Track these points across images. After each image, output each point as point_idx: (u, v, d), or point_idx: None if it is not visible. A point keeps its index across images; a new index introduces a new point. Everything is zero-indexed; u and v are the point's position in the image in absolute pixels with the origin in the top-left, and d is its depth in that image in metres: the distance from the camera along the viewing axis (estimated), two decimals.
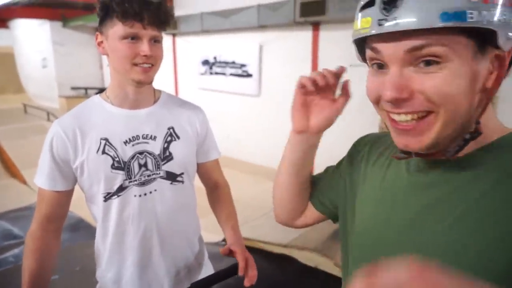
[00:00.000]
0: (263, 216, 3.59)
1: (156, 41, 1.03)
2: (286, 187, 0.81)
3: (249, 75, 6.29)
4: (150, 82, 1.09)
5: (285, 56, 5.78)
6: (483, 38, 0.45)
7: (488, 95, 0.48)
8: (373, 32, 0.47)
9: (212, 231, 3.74)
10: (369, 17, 0.48)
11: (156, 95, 1.17)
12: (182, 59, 7.58)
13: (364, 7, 0.49)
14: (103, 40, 1.05)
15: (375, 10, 0.47)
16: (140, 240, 1.10)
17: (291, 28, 5.52)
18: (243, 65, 6.33)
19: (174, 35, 7.32)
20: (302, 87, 0.67)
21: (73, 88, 10.64)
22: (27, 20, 10.56)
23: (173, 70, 7.81)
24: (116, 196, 1.07)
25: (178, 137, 1.13)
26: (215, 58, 6.74)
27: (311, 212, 0.85)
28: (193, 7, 6.84)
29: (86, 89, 10.65)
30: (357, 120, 3.22)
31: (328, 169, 0.86)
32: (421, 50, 0.45)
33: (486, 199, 0.46)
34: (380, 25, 0.46)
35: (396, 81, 0.47)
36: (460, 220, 0.47)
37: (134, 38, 0.99)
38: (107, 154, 1.05)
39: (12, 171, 6.53)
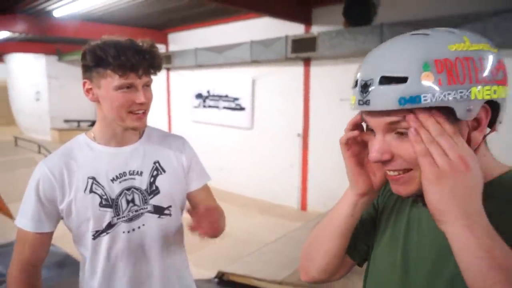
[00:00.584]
0: (256, 251, 3.51)
1: (147, 85, 1.06)
2: (335, 253, 0.75)
3: (242, 109, 6.38)
4: (144, 127, 1.12)
5: (278, 90, 5.90)
6: (450, 112, 0.53)
7: (473, 145, 0.56)
8: (356, 109, 0.59)
9: (204, 267, 3.62)
10: (354, 96, 0.59)
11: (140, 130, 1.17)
12: (175, 92, 7.69)
13: (354, 86, 0.60)
14: (93, 88, 1.05)
15: (357, 92, 0.58)
16: (130, 276, 1.09)
17: (283, 63, 5.68)
18: (236, 99, 6.43)
19: (168, 69, 7.47)
20: (348, 149, 0.68)
21: (66, 121, 10.64)
22: (23, 54, 10.72)
23: (167, 103, 7.89)
24: (105, 233, 1.06)
25: (164, 171, 1.14)
26: (208, 91, 6.84)
27: (346, 263, 0.81)
28: (187, 43, 7.03)
29: (78, 121, 10.65)
30: None
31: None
32: (397, 124, 0.56)
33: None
34: (359, 104, 0.57)
35: (379, 146, 0.58)
36: None
37: (129, 87, 1.01)
38: (94, 192, 1.05)
39: None
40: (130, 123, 1.04)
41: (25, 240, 1.05)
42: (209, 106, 6.77)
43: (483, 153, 0.60)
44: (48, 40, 9.20)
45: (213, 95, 6.73)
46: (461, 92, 0.52)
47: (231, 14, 6.03)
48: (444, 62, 0.52)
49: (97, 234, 1.06)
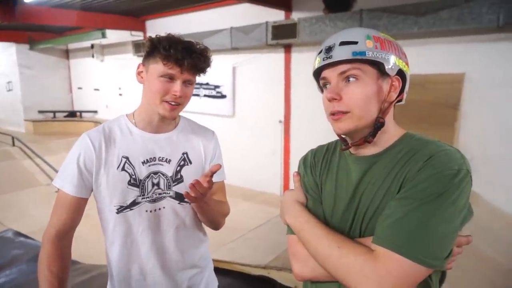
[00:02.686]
0: (239, 238, 3.54)
1: (189, 83, 1.16)
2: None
3: (223, 96, 6.33)
4: (174, 119, 1.23)
5: (259, 77, 5.88)
6: (379, 68, 0.79)
7: (390, 104, 0.82)
8: (322, 63, 0.83)
9: None
10: (319, 58, 0.84)
11: (176, 120, 1.29)
12: None
13: (318, 54, 0.85)
14: (143, 71, 1.17)
15: (322, 54, 0.83)
16: (147, 250, 1.20)
17: (263, 50, 5.65)
18: (217, 86, 6.38)
19: None
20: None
21: (40, 112, 10.30)
22: None
23: None
24: (128, 209, 1.17)
25: (191, 162, 1.25)
26: None
27: None
28: (165, 30, 6.87)
29: (54, 112, 10.34)
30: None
31: (311, 201, 0.93)
32: (346, 73, 0.80)
33: (388, 176, 0.79)
34: (323, 60, 0.82)
35: (333, 89, 0.81)
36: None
37: (171, 78, 1.12)
38: (125, 171, 1.16)
39: None
40: (162, 110, 1.14)
41: (64, 203, 1.14)
42: None
43: (391, 116, 0.84)
44: (19, 27, 8.81)
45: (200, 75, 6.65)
46: (387, 55, 0.79)
47: (210, 0, 5.93)
48: (378, 38, 0.80)
49: (121, 209, 1.16)
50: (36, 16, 6.34)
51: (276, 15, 5.24)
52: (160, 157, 1.20)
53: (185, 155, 1.24)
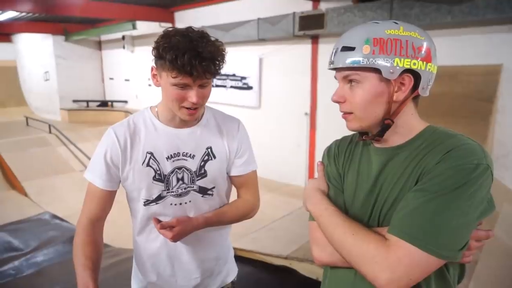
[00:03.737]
0: (263, 228, 3.58)
1: (205, 85, 1.10)
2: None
3: (249, 88, 6.35)
4: (196, 120, 1.21)
5: (285, 68, 5.85)
6: (381, 72, 0.79)
7: (401, 104, 0.82)
8: (328, 67, 0.88)
9: None
10: (330, 58, 0.87)
11: (199, 112, 1.22)
12: None
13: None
14: (157, 75, 1.11)
15: (330, 56, 0.86)
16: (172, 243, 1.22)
17: (290, 41, 5.60)
18: (243, 78, 6.40)
19: None
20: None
21: (75, 101, 10.73)
22: (30, 34, 10.71)
23: None
24: (154, 203, 1.20)
25: (214, 157, 1.24)
26: None
27: None
28: (194, 21, 6.95)
29: (87, 101, 10.73)
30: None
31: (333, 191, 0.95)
32: (347, 77, 0.83)
33: (407, 168, 0.80)
34: (329, 64, 0.87)
35: (337, 92, 0.86)
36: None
37: (184, 85, 1.06)
38: (150, 166, 1.17)
39: (13, 183, 6.53)
40: (182, 115, 1.13)
41: (95, 195, 1.19)
42: (216, 86, 6.76)
43: (410, 112, 0.84)
44: (55, 19, 9.16)
45: (220, 74, 6.70)
46: (387, 60, 0.78)
47: None
48: (379, 40, 0.79)
49: (147, 202, 1.20)
50: (70, 8, 6.57)
51: (303, 5, 5.17)
52: (184, 152, 1.20)
53: (209, 149, 1.23)
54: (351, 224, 0.81)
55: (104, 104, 10.85)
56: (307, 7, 5.18)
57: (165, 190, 1.19)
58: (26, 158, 6.97)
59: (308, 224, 0.95)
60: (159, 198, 1.19)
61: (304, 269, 2.55)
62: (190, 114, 1.12)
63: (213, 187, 1.25)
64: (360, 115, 0.83)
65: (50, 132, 8.40)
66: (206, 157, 1.23)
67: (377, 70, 0.79)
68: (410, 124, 0.84)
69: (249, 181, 1.32)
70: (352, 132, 0.99)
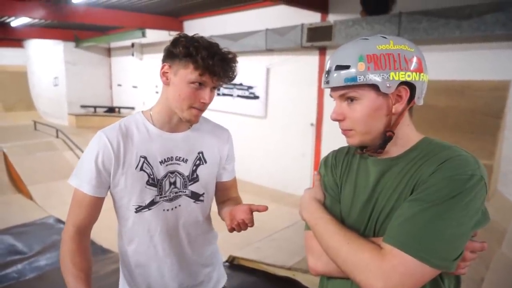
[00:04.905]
0: (266, 238, 3.56)
1: (214, 88, 1.14)
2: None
3: (256, 97, 6.38)
4: (197, 122, 1.20)
5: (292, 79, 5.87)
6: (377, 87, 0.80)
7: (399, 115, 0.83)
8: (323, 86, 0.88)
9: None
10: (323, 80, 0.88)
11: None
12: None
13: (324, 73, 0.88)
14: (169, 73, 1.12)
15: (324, 76, 0.87)
16: (164, 249, 1.21)
17: (298, 52, 5.63)
18: (250, 87, 6.43)
19: None
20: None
21: (83, 107, 10.84)
22: (41, 40, 10.90)
23: None
24: (147, 209, 1.17)
25: (206, 161, 1.25)
26: None
27: None
28: (202, 30, 7.02)
29: (95, 107, 10.84)
30: None
31: (330, 202, 0.95)
32: (345, 95, 0.84)
33: (403, 179, 0.81)
34: (324, 83, 0.87)
35: (336, 110, 0.87)
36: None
37: (200, 84, 1.09)
38: (144, 171, 1.15)
39: (19, 187, 6.58)
40: (188, 116, 1.13)
41: (82, 202, 1.13)
42: (223, 94, 6.80)
43: (407, 123, 0.86)
44: (66, 26, 9.32)
45: (227, 84, 6.74)
46: (382, 75, 0.79)
47: (246, 1, 5.99)
48: (372, 56, 0.80)
49: (139, 209, 1.17)
50: (81, 16, 6.68)
51: (312, 17, 5.22)
52: (177, 156, 1.19)
53: (200, 154, 1.24)
54: (346, 233, 0.81)
55: (111, 110, 10.95)
56: (316, 19, 5.22)
57: (158, 195, 1.17)
58: (33, 162, 7.03)
59: (304, 234, 0.95)
60: (152, 203, 1.17)
61: (308, 280, 2.52)
62: (197, 115, 1.14)
63: (204, 193, 1.26)
64: (361, 130, 0.84)
65: (57, 136, 8.48)
66: (198, 162, 1.23)
67: (373, 86, 0.80)
68: (407, 135, 0.86)
69: (234, 184, 1.40)
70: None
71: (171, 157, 1.18)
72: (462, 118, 3.69)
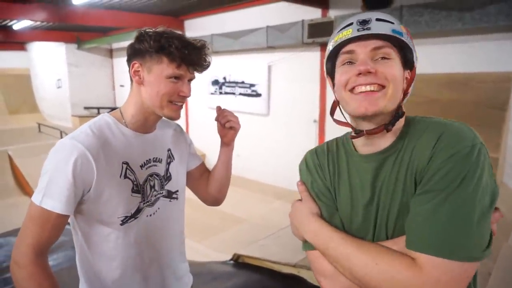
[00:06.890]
0: (271, 235, 3.56)
1: (190, 80, 1.10)
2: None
3: (258, 95, 6.37)
4: (179, 118, 1.13)
5: (294, 76, 5.86)
6: (405, 57, 0.77)
7: (404, 96, 0.78)
8: (355, 34, 0.75)
9: (221, 250, 3.71)
10: (350, 29, 0.77)
11: None
12: None
13: (344, 28, 0.79)
14: (141, 71, 1.06)
15: (354, 26, 0.76)
16: (148, 256, 1.13)
17: (299, 49, 5.61)
18: (252, 85, 6.42)
19: None
20: None
21: (86, 108, 10.88)
22: (44, 43, 10.94)
23: None
24: (133, 219, 1.07)
25: (174, 158, 1.22)
26: (224, 78, 6.86)
27: None
28: (203, 29, 7.02)
29: (98, 108, 10.88)
30: None
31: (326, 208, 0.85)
32: (380, 49, 0.75)
33: (400, 170, 0.75)
34: (358, 31, 0.75)
35: (367, 62, 0.74)
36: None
37: (177, 78, 1.05)
38: (128, 178, 1.05)
39: (24, 189, 6.62)
40: (168, 112, 1.07)
41: (47, 221, 0.97)
42: (226, 93, 6.80)
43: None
44: (68, 28, 9.35)
45: (230, 82, 6.74)
46: (413, 46, 0.77)
47: None
48: (406, 28, 0.78)
49: (125, 220, 1.05)
50: (82, 17, 6.70)
51: (312, 13, 5.19)
52: (154, 157, 1.14)
53: (169, 151, 1.20)
54: (368, 250, 0.70)
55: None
56: (316, 15, 5.20)
57: (141, 202, 1.08)
58: (38, 164, 7.05)
59: (307, 254, 0.84)
60: (137, 211, 1.08)
61: (312, 278, 2.52)
62: (177, 109, 1.08)
63: (177, 190, 1.21)
64: (392, 91, 0.73)
65: (61, 138, 8.52)
66: (169, 159, 1.20)
67: (403, 54, 0.76)
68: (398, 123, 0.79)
69: (205, 166, 1.37)
70: (321, 143, 0.96)
71: (149, 159, 1.12)
72: (466, 111, 3.66)
